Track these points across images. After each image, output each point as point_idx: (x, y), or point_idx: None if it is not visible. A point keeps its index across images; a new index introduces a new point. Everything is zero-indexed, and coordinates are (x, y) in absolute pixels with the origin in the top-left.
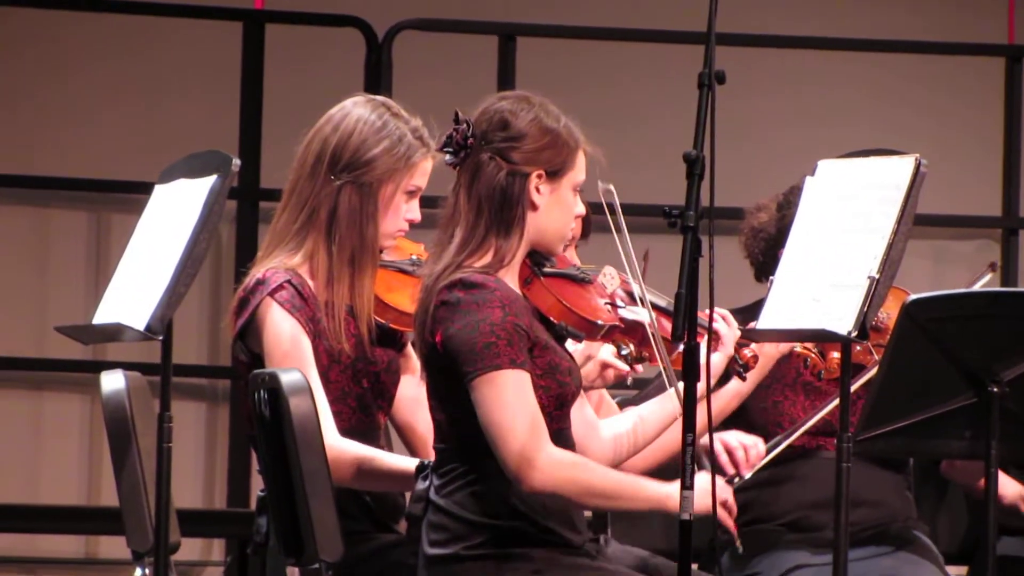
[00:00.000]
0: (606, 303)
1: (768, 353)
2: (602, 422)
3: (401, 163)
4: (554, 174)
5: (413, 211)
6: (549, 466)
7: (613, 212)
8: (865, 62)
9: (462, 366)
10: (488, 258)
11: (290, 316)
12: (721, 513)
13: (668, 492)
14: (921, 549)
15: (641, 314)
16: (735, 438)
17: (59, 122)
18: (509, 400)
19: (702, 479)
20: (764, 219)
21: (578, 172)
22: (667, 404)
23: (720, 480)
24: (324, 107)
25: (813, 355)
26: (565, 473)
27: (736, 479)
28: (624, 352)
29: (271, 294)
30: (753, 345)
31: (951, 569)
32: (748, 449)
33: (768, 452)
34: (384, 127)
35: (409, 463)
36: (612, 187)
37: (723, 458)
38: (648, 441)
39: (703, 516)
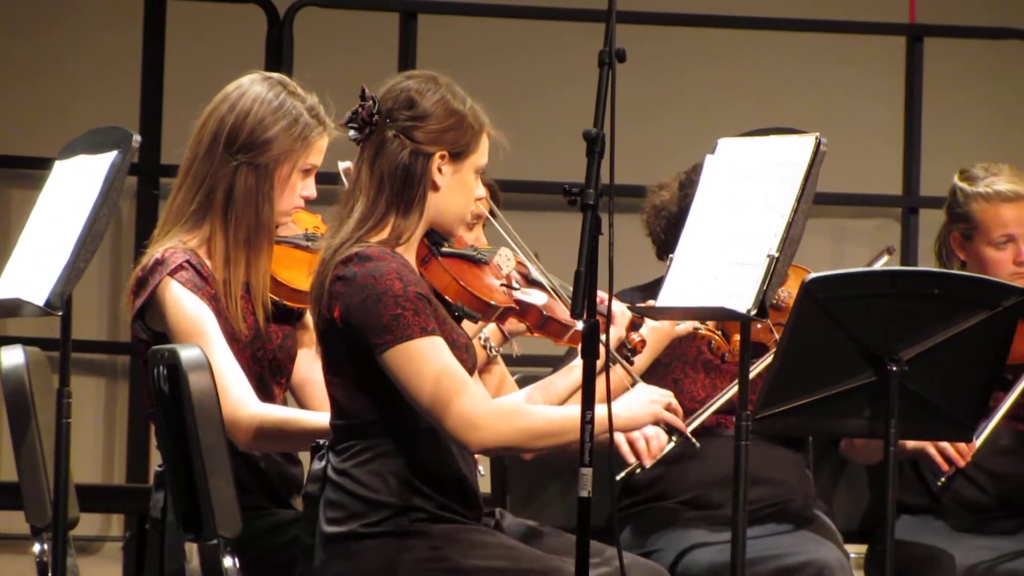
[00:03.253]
0: (502, 284)
1: (662, 329)
2: (497, 400)
3: (298, 144)
4: (457, 156)
5: (309, 188)
6: (490, 421)
7: None
8: (767, 40)
9: (370, 339)
10: (385, 235)
11: (192, 294)
12: (669, 417)
13: (617, 412)
14: (820, 527)
15: (535, 296)
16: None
17: None
18: (430, 367)
19: (638, 392)
20: (666, 197)
21: (481, 155)
22: (566, 381)
23: (656, 391)
24: (226, 83)
25: (717, 337)
26: (508, 424)
27: (638, 469)
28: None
29: (171, 274)
30: (643, 329)
31: (850, 547)
32: (649, 440)
33: (670, 440)
34: (281, 107)
35: (325, 418)
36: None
37: (624, 448)
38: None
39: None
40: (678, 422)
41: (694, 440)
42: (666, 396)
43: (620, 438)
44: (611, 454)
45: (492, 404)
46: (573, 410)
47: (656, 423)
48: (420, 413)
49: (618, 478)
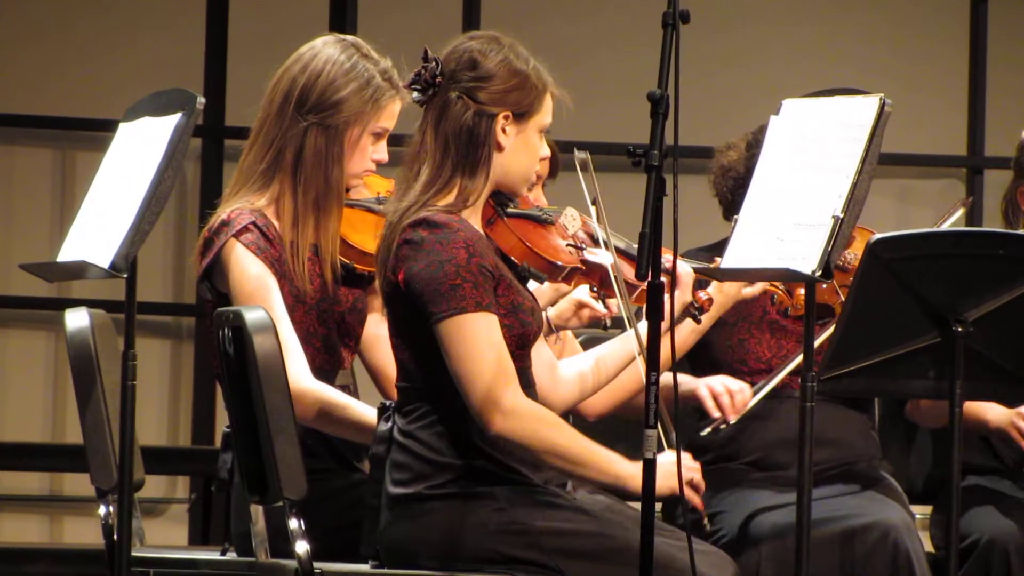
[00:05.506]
0: (568, 244)
1: (728, 292)
2: (561, 362)
3: (369, 105)
4: (521, 116)
5: (380, 152)
6: (515, 413)
7: (586, 170)
8: (831, 0)
9: (427, 306)
10: (452, 197)
11: (255, 257)
12: (688, 492)
13: (633, 472)
14: (886, 489)
15: (602, 256)
16: (720, 383)
17: (23, 59)
18: (476, 344)
19: (666, 457)
20: (733, 157)
21: (545, 115)
22: (626, 343)
23: (686, 457)
24: (289, 44)
25: (780, 292)
26: (531, 424)
27: (723, 425)
28: (593, 289)
29: (236, 236)
30: (710, 288)
31: (915, 508)
32: (734, 394)
33: (754, 395)
34: (353, 68)
35: (374, 415)
36: (588, 155)
37: (709, 403)
38: (608, 379)
39: (667, 497)
40: (696, 499)
41: (706, 522)
42: (690, 471)
43: (705, 392)
44: (676, 408)
45: (526, 400)
46: (603, 452)
47: (671, 494)
48: (456, 385)
49: (703, 433)
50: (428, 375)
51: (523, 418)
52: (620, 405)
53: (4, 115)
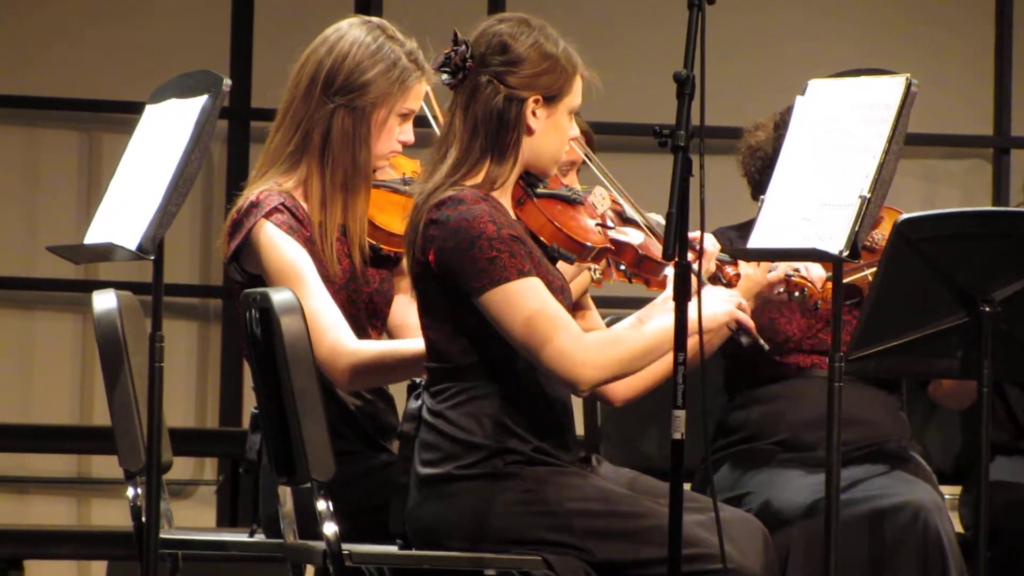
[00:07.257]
0: (597, 224)
1: (754, 277)
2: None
3: (395, 87)
4: (551, 99)
5: (406, 133)
6: (592, 355)
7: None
8: None
9: (467, 282)
10: (479, 179)
11: (288, 236)
12: (739, 315)
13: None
14: (915, 469)
15: (632, 235)
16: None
17: (50, 41)
18: (530, 308)
19: (712, 292)
20: (761, 138)
21: (575, 97)
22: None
23: (725, 291)
24: (315, 26)
25: (810, 284)
26: (609, 354)
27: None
28: (621, 268)
29: (266, 216)
30: (741, 265)
31: (944, 489)
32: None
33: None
34: (379, 50)
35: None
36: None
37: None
38: None
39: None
40: (750, 321)
41: (763, 343)
42: (735, 296)
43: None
44: (703, 390)
45: (591, 338)
46: (661, 322)
47: (732, 321)
48: (522, 355)
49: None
50: (459, 355)
51: (599, 355)
52: (647, 389)
53: (30, 98)
